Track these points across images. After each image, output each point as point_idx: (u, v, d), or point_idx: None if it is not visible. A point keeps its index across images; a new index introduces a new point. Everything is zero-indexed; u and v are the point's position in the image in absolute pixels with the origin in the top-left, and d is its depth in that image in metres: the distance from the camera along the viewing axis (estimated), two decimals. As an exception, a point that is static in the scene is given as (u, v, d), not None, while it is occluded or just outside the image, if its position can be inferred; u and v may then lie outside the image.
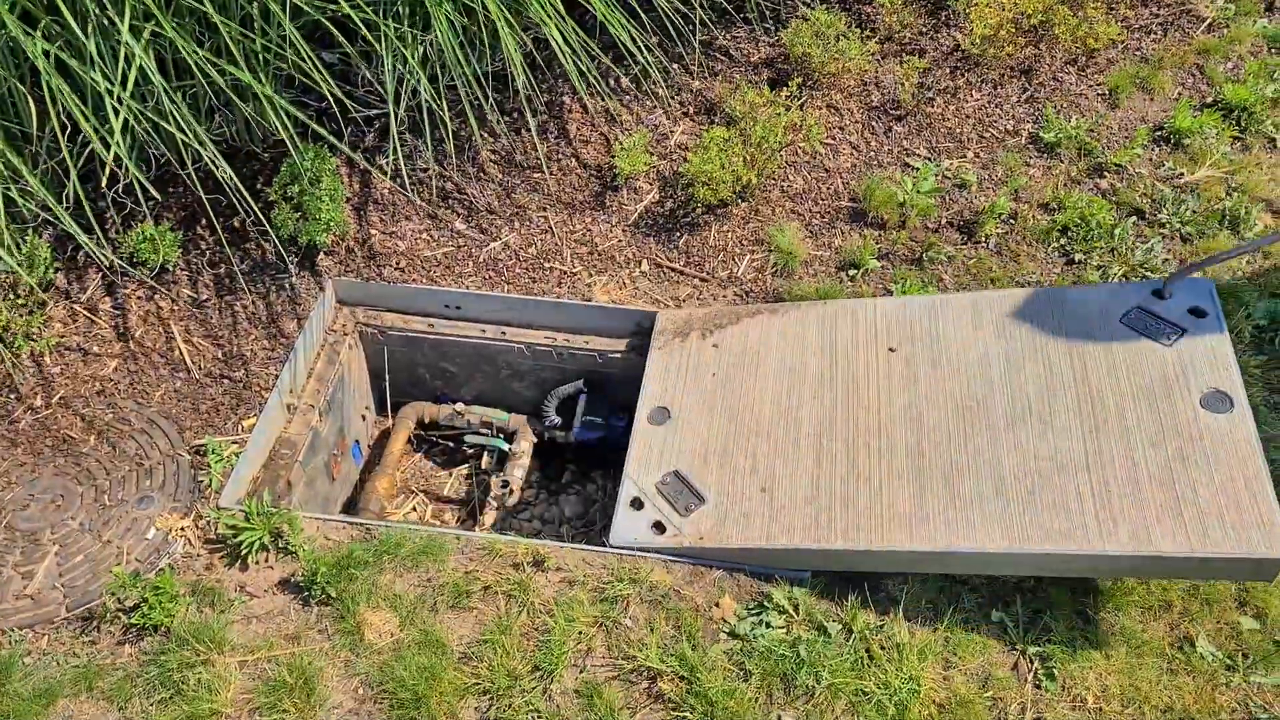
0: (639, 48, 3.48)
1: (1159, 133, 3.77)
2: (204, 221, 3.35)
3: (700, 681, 2.33)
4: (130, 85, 2.49)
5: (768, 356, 2.91)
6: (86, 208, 2.71)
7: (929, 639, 2.46)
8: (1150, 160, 3.70)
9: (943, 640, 2.46)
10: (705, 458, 2.72)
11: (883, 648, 2.44)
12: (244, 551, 2.57)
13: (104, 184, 2.51)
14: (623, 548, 2.60)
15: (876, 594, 2.58)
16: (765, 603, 2.52)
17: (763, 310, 3.03)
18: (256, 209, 3.36)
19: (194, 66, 2.90)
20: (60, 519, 2.70)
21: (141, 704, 2.31)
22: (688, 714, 2.28)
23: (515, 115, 3.68)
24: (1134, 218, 3.51)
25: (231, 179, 2.84)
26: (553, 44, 3.19)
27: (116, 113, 2.52)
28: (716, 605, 2.54)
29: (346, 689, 2.36)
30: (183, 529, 2.67)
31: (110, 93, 2.48)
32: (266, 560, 2.60)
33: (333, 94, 2.88)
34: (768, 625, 2.47)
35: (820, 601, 2.55)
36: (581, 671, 2.38)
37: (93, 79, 2.51)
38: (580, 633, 2.44)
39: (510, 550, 2.62)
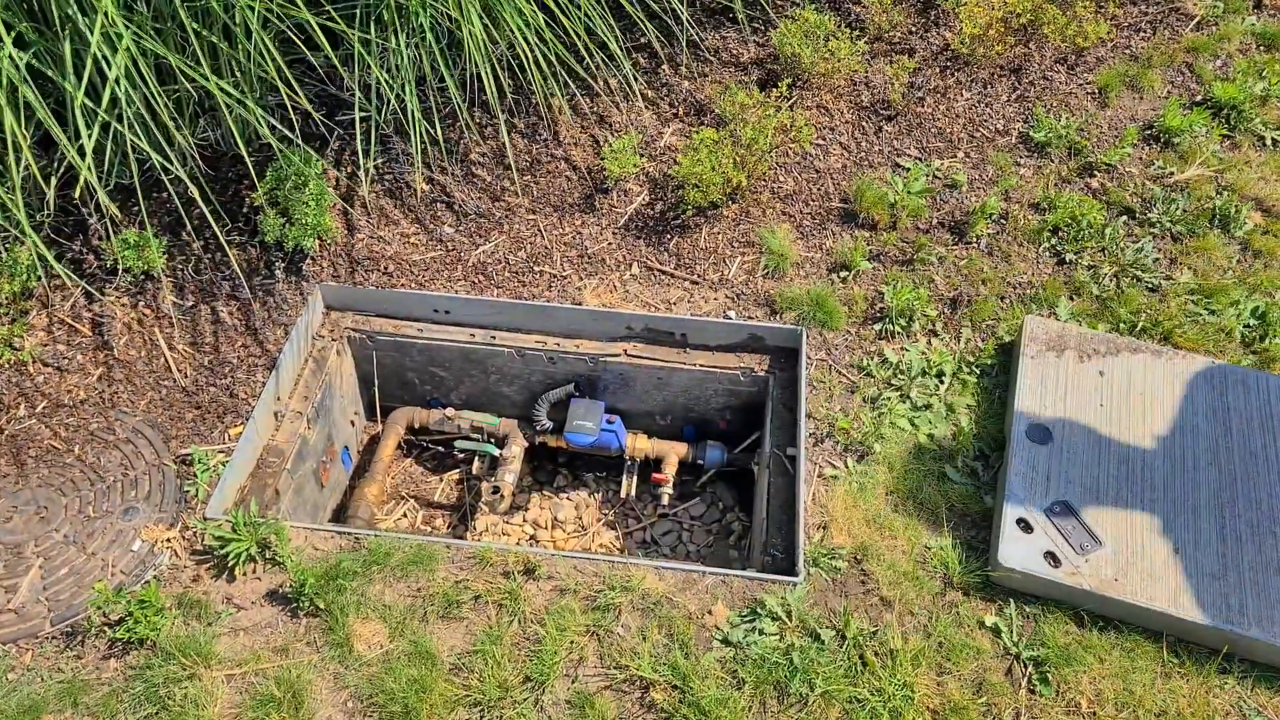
0: (625, 51, 3.46)
1: (1149, 131, 3.76)
2: (189, 227, 3.31)
3: (693, 691, 2.31)
4: (106, 98, 2.45)
5: (1155, 404, 2.81)
6: (87, 213, 2.66)
7: (922, 645, 2.45)
8: (1140, 159, 3.69)
9: (936, 646, 2.45)
10: (1097, 497, 2.61)
11: (876, 654, 2.43)
12: (231, 563, 2.54)
13: (76, 196, 2.46)
14: (1011, 570, 2.48)
15: (869, 598, 2.56)
16: (758, 609, 2.51)
17: (1144, 349, 2.94)
18: (242, 214, 3.33)
19: (176, 72, 2.87)
20: (44, 531, 2.66)
21: (127, 719, 2.28)
22: (681, 724, 2.27)
23: (497, 117, 3.64)
24: (1124, 217, 3.50)
25: (207, 192, 2.81)
26: (528, 67, 3.16)
27: (89, 125, 2.48)
28: (709, 612, 2.52)
29: (336, 702, 2.33)
30: (169, 540, 2.64)
31: (86, 110, 2.44)
32: (254, 571, 2.57)
33: (309, 104, 2.84)
34: (761, 632, 2.45)
35: (813, 608, 2.53)
36: (573, 681, 2.36)
37: (68, 88, 2.47)
38: (572, 642, 2.42)
39: (501, 559, 2.60)
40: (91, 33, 2.40)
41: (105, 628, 2.45)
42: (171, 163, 2.84)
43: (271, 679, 2.34)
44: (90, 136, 2.45)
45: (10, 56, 2.38)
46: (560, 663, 2.38)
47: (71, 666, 2.39)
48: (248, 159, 2.93)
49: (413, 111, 3.14)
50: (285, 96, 2.77)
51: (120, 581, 2.55)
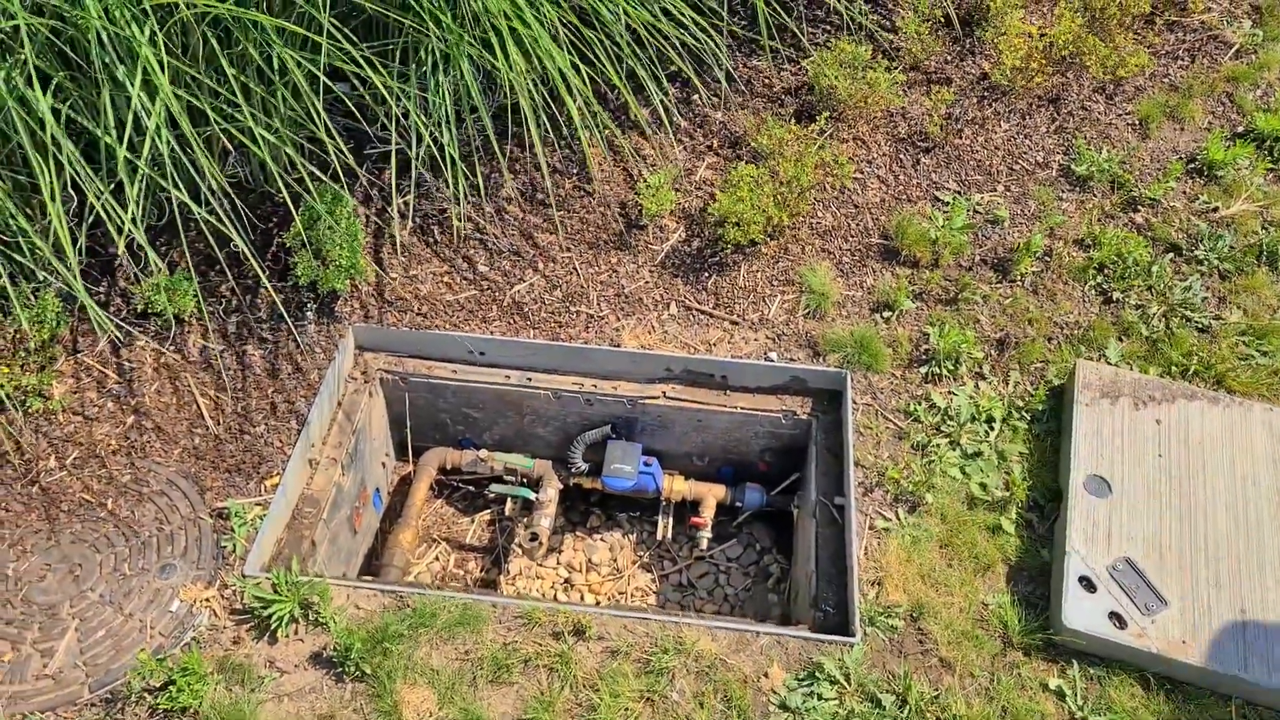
0: (656, 81, 3.39)
1: (1191, 165, 3.70)
2: (218, 268, 3.25)
3: (754, 761, 2.24)
4: (147, 149, 2.39)
5: (1214, 454, 2.74)
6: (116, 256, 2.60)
7: (985, 709, 2.38)
8: (1184, 193, 3.63)
9: (1000, 711, 2.39)
10: (1161, 554, 2.53)
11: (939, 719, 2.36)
12: (273, 625, 2.47)
13: (120, 248, 2.39)
14: (1076, 633, 2.41)
15: (928, 659, 2.50)
16: (815, 673, 2.44)
17: (1200, 395, 2.87)
18: (269, 254, 3.26)
19: (199, 118, 2.80)
20: (79, 591, 2.60)
21: (172, 795, 2.21)
22: (743, 798, 2.20)
23: (533, 151, 3.58)
24: (1171, 254, 3.44)
25: (244, 234, 2.74)
26: (565, 100, 3.10)
27: (131, 178, 2.41)
28: (765, 675, 2.45)
29: (385, 773, 2.26)
30: (207, 600, 2.57)
31: (129, 163, 2.38)
32: (296, 633, 2.51)
33: (331, 136, 2.78)
34: (819, 697, 2.39)
35: (871, 670, 2.47)
36: (630, 752, 2.30)
37: (108, 140, 2.40)
38: (626, 709, 2.36)
39: (550, 618, 2.53)
40: (133, 84, 2.33)
41: (146, 694, 2.38)
42: (205, 203, 2.77)
43: (319, 751, 2.27)
44: (135, 188, 2.38)
45: (51, 108, 2.31)
46: (616, 732, 2.31)
47: (112, 736, 2.32)
48: (287, 198, 2.86)
49: (449, 149, 3.08)
50: (325, 136, 2.71)
51: (159, 644, 2.48)
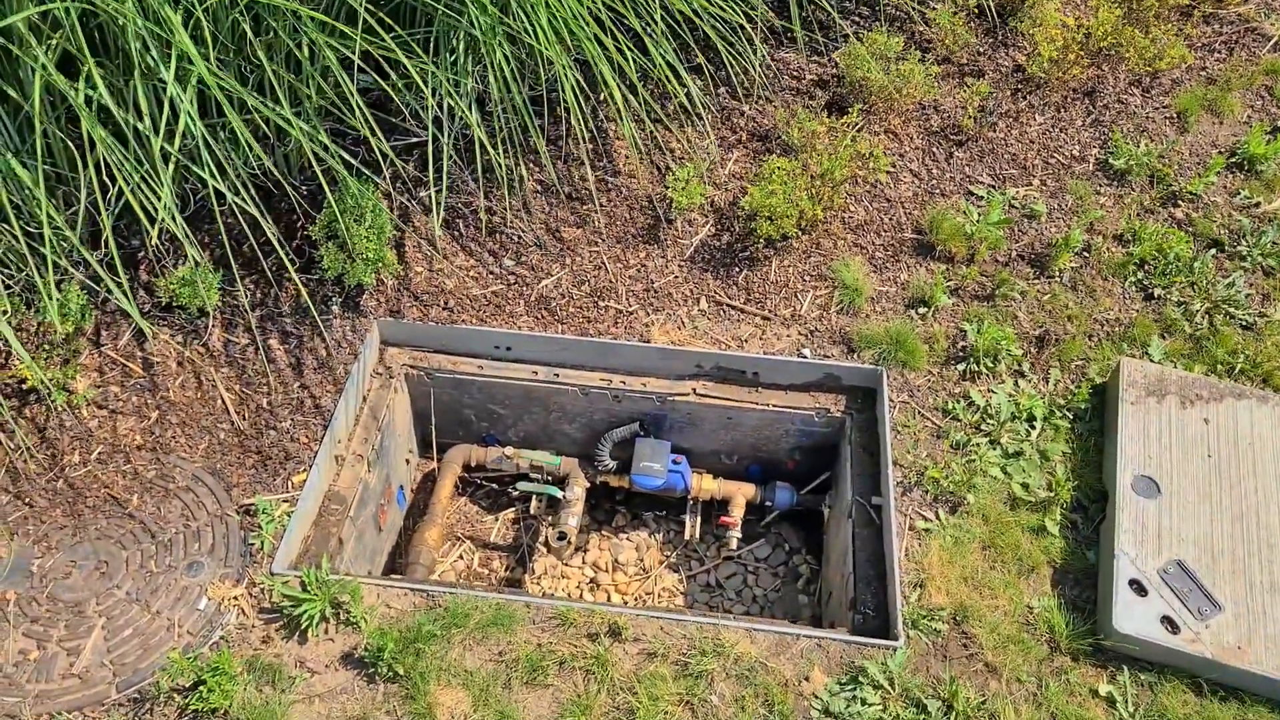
0: (688, 71, 3.33)
1: (1231, 159, 3.62)
2: (242, 261, 3.19)
3: (798, 767, 2.19)
4: (178, 138, 2.34)
5: (1264, 454, 2.68)
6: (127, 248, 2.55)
7: (1034, 716, 2.32)
8: (1225, 188, 3.56)
9: (1049, 717, 2.32)
10: (1213, 557, 2.47)
11: (986, 726, 2.30)
12: (303, 624, 2.42)
13: (152, 236, 2.34)
14: (1127, 637, 2.35)
15: (973, 664, 2.44)
16: (858, 676, 2.38)
17: (1248, 394, 2.80)
18: (293, 246, 3.21)
19: (232, 104, 2.75)
20: (105, 588, 2.55)
21: (203, 798, 2.16)
22: (788, 805, 2.14)
23: (558, 144, 3.52)
24: (1213, 250, 3.37)
25: (275, 232, 2.69)
26: (601, 81, 3.04)
27: (166, 160, 2.36)
28: (806, 679, 2.39)
29: (420, 777, 2.21)
30: (235, 598, 2.52)
31: (164, 154, 2.33)
32: (326, 632, 2.46)
33: (372, 130, 2.73)
34: (863, 702, 2.33)
35: (915, 675, 2.40)
36: (670, 757, 2.24)
37: (139, 128, 2.35)
38: (666, 712, 2.30)
39: (585, 619, 2.47)
40: (167, 68, 2.28)
41: (175, 694, 2.33)
42: (239, 195, 2.72)
43: (352, 754, 2.22)
44: (168, 176, 2.33)
45: (86, 97, 2.26)
46: (655, 736, 2.26)
47: (140, 738, 2.27)
48: (324, 184, 2.80)
49: (479, 140, 3.02)
50: (359, 123, 2.65)
51: (188, 643, 2.44)
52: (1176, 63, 3.75)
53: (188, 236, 2.55)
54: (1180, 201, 3.51)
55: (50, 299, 2.44)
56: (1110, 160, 3.59)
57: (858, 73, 3.58)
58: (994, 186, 3.56)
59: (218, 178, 2.53)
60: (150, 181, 2.52)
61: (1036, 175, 3.60)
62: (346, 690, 2.36)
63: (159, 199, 2.37)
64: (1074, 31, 3.66)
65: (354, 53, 2.61)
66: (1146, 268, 3.30)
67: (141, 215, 2.38)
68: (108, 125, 2.53)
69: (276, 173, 3.37)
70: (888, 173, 3.55)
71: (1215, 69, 3.93)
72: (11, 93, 2.46)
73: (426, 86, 2.79)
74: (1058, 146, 3.67)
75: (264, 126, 3.13)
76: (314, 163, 3.15)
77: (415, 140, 3.41)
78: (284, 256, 2.87)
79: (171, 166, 2.36)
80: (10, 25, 2.25)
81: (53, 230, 2.63)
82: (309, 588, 2.46)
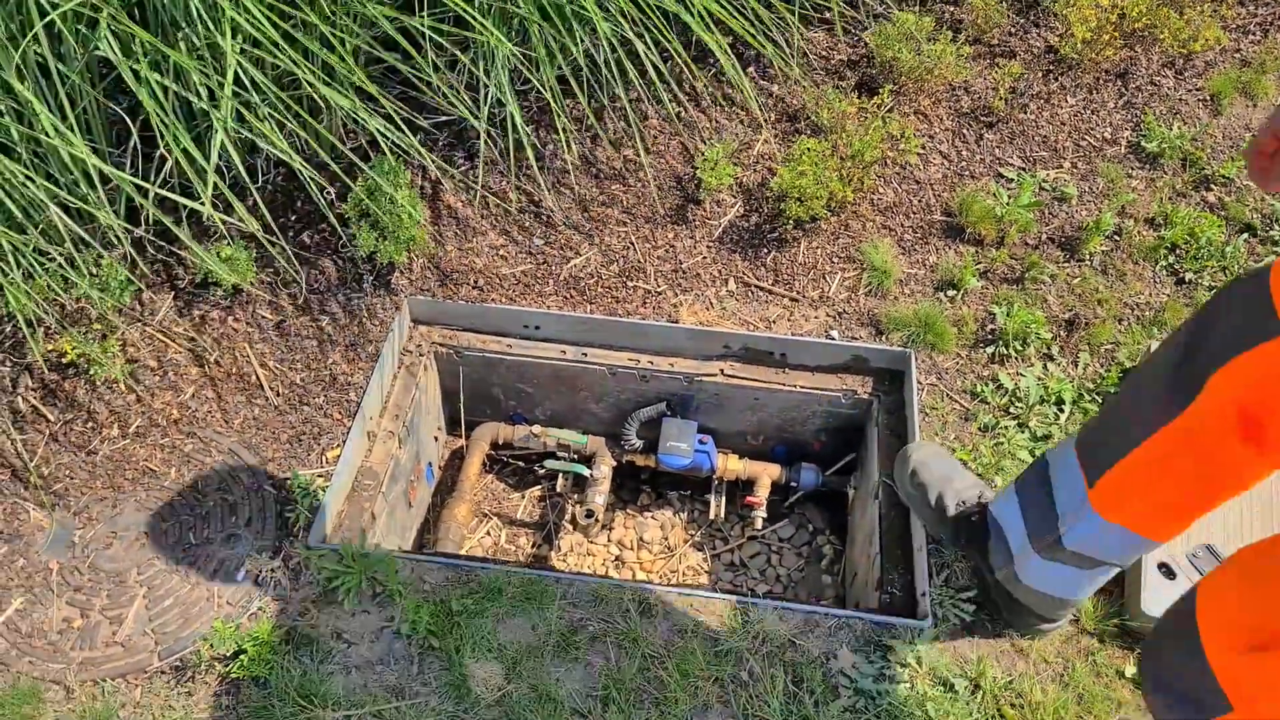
0: (723, 50, 3.32)
1: (1265, 142, 3.59)
2: (275, 239, 3.22)
3: (828, 743, 2.22)
4: (228, 113, 2.36)
5: None
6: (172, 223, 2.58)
7: (1060, 696, 2.35)
8: (1257, 172, 3.53)
9: (1075, 698, 2.35)
10: (1241, 539, 2.44)
11: (1013, 706, 2.33)
12: (340, 596, 2.47)
13: (206, 204, 2.37)
14: (1155, 619, 2.31)
15: (999, 644, 2.46)
16: (887, 655, 2.41)
17: None
18: (329, 225, 3.24)
19: (275, 78, 2.77)
20: (145, 558, 2.60)
21: (245, 763, 2.21)
22: (817, 780, 2.18)
23: (584, 123, 3.52)
24: (1245, 234, 3.35)
25: (322, 203, 2.71)
26: (632, 58, 3.04)
27: (219, 128, 2.39)
28: (834, 657, 2.42)
29: (455, 747, 2.26)
30: (273, 570, 2.57)
31: (222, 123, 2.35)
32: (362, 604, 2.50)
33: (390, 109, 2.74)
34: (891, 680, 2.36)
35: (943, 655, 2.43)
36: (701, 731, 2.28)
37: (191, 99, 2.38)
38: (697, 688, 2.34)
39: (615, 595, 2.51)
40: (223, 38, 2.30)
41: (216, 662, 2.38)
42: (267, 171, 2.75)
43: (390, 723, 2.27)
44: (214, 150, 2.35)
45: (147, 80, 2.28)
46: (687, 710, 2.29)
47: (183, 704, 2.33)
48: (332, 165, 2.83)
49: (511, 117, 3.03)
50: (374, 95, 2.67)
51: (227, 613, 2.49)
52: (1211, 44, 3.71)
53: (242, 201, 2.57)
54: (1213, 185, 3.48)
55: (88, 276, 2.48)
56: (1142, 143, 3.57)
57: (888, 53, 3.57)
58: (1024, 169, 3.54)
59: (278, 146, 2.55)
60: (194, 155, 2.55)
61: (1067, 158, 3.58)
62: (383, 661, 2.40)
63: (205, 172, 2.39)
64: (1108, 12, 3.62)
65: (394, 28, 2.63)
66: (1178, 252, 3.29)
67: (198, 183, 2.40)
68: (154, 98, 2.56)
69: (308, 150, 3.40)
70: (917, 154, 3.54)
71: (1250, 51, 3.89)
72: (57, 66, 2.49)
73: (468, 55, 2.79)
74: (1089, 129, 3.65)
75: (295, 105, 3.15)
76: (344, 140, 3.17)
77: (445, 118, 3.42)
78: (317, 234, 2.90)
79: (218, 139, 2.39)
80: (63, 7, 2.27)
81: (92, 205, 2.67)
82: (345, 561, 2.50)
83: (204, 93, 2.52)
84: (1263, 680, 1.17)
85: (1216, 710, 1.20)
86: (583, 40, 3.16)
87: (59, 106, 2.59)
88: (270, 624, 2.41)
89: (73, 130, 2.41)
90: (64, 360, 2.87)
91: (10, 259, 2.56)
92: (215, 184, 2.50)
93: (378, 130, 2.76)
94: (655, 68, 3.21)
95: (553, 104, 3.13)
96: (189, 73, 2.46)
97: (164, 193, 2.62)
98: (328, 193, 3.32)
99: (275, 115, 2.76)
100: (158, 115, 2.33)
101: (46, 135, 2.35)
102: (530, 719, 2.26)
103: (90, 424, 2.85)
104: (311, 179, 3.29)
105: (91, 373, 2.86)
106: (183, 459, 2.81)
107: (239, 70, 2.50)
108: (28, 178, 2.43)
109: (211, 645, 2.38)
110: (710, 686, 2.34)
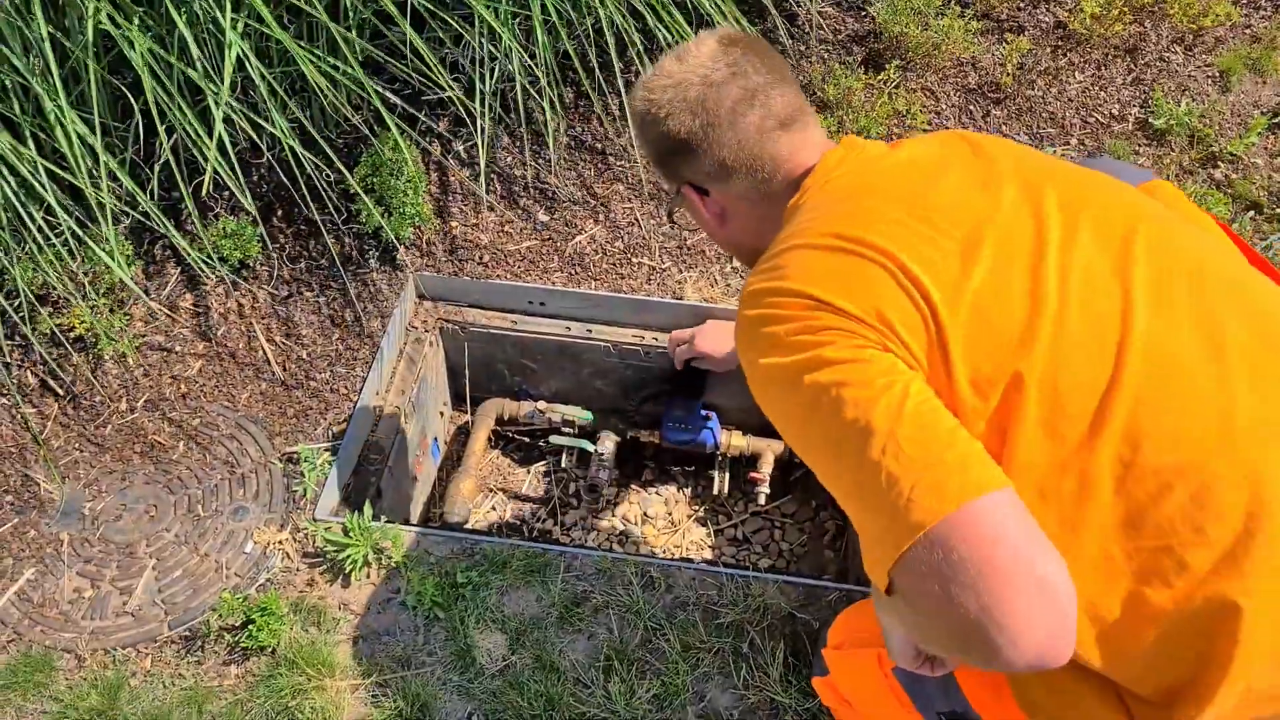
0: (725, 17, 3.30)
1: (1275, 119, 3.57)
2: (279, 214, 3.23)
3: (826, 716, 2.25)
4: (227, 83, 2.36)
5: None
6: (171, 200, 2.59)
7: (1059, 669, 2.36)
8: (1265, 149, 3.51)
9: (1074, 670, 2.37)
10: None
11: (1012, 678, 2.35)
12: (347, 568, 2.49)
13: (206, 190, 2.38)
14: None
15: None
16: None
17: None
18: (335, 201, 3.24)
19: (277, 55, 2.77)
20: (154, 530, 2.63)
21: (254, 730, 2.25)
22: (817, 749, 2.21)
23: (589, 99, 3.51)
24: (1251, 212, 3.34)
25: (314, 176, 2.72)
26: (639, 32, 3.02)
27: (217, 106, 2.39)
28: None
29: (460, 715, 2.29)
30: (280, 542, 2.60)
31: (215, 96, 2.35)
32: (369, 576, 2.53)
33: (394, 85, 2.74)
34: (891, 652, 2.38)
35: (943, 627, 2.45)
36: (703, 701, 2.31)
37: (192, 75, 2.38)
38: (698, 659, 2.36)
39: (619, 568, 2.53)
40: (224, 15, 2.30)
41: (225, 632, 2.42)
42: (272, 146, 2.75)
43: (397, 692, 2.30)
44: (218, 126, 2.36)
45: (142, 52, 2.29)
46: (688, 680, 2.32)
47: (193, 673, 2.36)
48: (365, 139, 2.83)
49: (520, 89, 3.03)
50: (378, 70, 2.67)
51: (235, 584, 2.52)
52: (1222, 20, 3.68)
53: (237, 183, 2.58)
54: (1220, 162, 3.47)
55: (98, 248, 2.49)
56: (1150, 120, 3.54)
57: (895, 28, 3.54)
58: (1031, 145, 3.52)
59: (277, 125, 2.56)
60: (199, 130, 2.56)
61: (1075, 134, 3.56)
62: (390, 632, 2.44)
63: (207, 148, 2.40)
64: (1118, -13, 3.59)
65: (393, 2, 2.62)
66: (1184, 229, 3.28)
67: (206, 157, 2.41)
68: (156, 75, 2.56)
69: (312, 126, 3.40)
70: (924, 130, 3.52)
71: (1260, 27, 3.85)
72: (62, 42, 2.49)
73: (474, 28, 2.79)
74: (1097, 105, 3.62)
75: (300, 80, 3.15)
76: (351, 115, 3.17)
77: (449, 94, 3.41)
78: (322, 211, 2.91)
79: (221, 115, 2.39)
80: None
81: (99, 179, 2.68)
82: (352, 533, 2.53)
83: (206, 68, 2.52)
84: (837, 664, 1.97)
85: (824, 673, 2.04)
86: (590, 12, 3.15)
87: (62, 80, 2.59)
88: (278, 595, 2.44)
89: (66, 104, 2.41)
90: (72, 334, 2.89)
91: (20, 232, 2.58)
92: (219, 160, 2.50)
93: (383, 106, 2.76)
94: (661, 42, 3.20)
95: (557, 79, 3.13)
96: (190, 47, 2.46)
97: (160, 190, 2.62)
98: (333, 170, 3.32)
99: (278, 93, 2.76)
100: (154, 90, 2.33)
101: (52, 114, 2.35)
102: (534, 688, 2.30)
103: (98, 398, 2.88)
104: (317, 155, 3.30)
105: (99, 347, 2.88)
106: (190, 433, 2.84)
107: (241, 49, 2.50)
108: (32, 160, 2.44)
109: (220, 615, 2.41)
110: (711, 658, 2.37)
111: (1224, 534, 1.17)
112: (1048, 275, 1.29)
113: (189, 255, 2.56)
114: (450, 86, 2.87)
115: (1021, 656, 1.06)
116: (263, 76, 2.53)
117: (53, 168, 2.44)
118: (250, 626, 2.36)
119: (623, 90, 3.45)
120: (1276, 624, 1.15)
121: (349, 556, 2.50)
